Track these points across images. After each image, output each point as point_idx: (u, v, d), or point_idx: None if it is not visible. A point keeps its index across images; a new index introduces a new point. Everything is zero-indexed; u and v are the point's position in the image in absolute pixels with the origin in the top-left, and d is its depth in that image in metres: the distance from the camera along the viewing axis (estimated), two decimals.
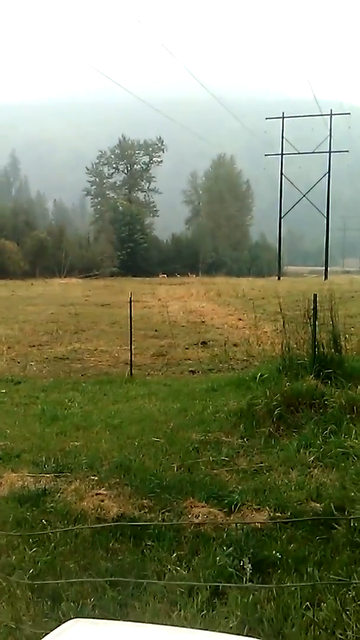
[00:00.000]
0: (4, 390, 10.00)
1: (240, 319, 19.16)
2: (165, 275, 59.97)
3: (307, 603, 3.31)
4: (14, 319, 19.58)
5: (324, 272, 57.55)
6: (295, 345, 8.76)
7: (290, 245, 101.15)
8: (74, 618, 1.28)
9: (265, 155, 61.27)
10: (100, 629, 1.25)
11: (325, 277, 53.66)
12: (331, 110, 57.84)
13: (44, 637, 1.20)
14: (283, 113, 58.96)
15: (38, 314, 21.47)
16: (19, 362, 12.80)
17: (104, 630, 1.24)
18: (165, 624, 1.11)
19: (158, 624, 1.22)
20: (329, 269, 57.56)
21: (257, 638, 1.22)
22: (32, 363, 12.73)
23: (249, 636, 1.22)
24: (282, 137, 58.99)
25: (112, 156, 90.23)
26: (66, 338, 15.89)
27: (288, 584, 3.45)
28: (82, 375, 11.61)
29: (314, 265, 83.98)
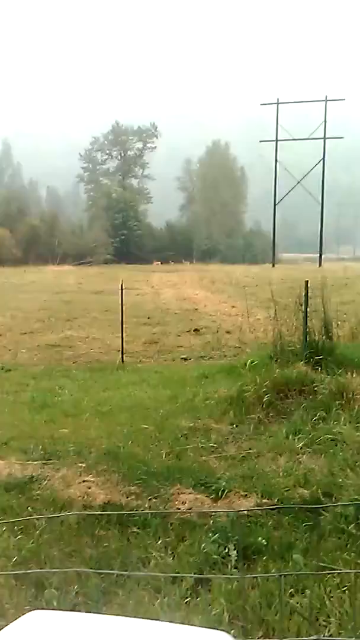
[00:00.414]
0: None
1: (233, 306, 19.13)
2: (159, 263, 59.88)
3: (292, 590, 3.30)
4: (6, 307, 19.48)
5: (318, 259, 57.52)
6: (286, 332, 8.76)
7: (284, 232, 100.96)
8: (34, 609, 1.25)
9: (260, 141, 60.99)
10: (62, 620, 1.22)
11: (320, 264, 53.64)
12: (326, 96, 57.48)
13: (3, 628, 1.16)
14: (278, 99, 58.61)
15: (30, 301, 21.37)
16: (10, 350, 12.75)
17: (65, 621, 1.21)
18: (130, 616, 1.08)
19: (122, 615, 1.19)
20: (323, 256, 57.50)
21: (222, 630, 1.18)
22: (24, 350, 12.69)
23: (214, 628, 1.18)
24: (277, 123, 58.67)
25: (106, 142, 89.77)
26: (58, 325, 15.84)
27: (273, 571, 3.44)
28: (73, 362, 11.59)
29: (309, 253, 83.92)
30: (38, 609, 1.25)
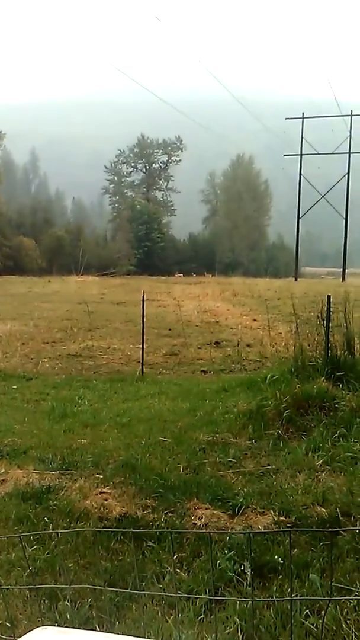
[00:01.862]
0: (15, 387, 10.04)
1: (254, 320, 19.04)
2: (182, 275, 60.02)
3: (307, 611, 3.24)
4: (29, 316, 19.68)
5: (341, 273, 57.04)
6: (308, 347, 8.67)
7: (308, 246, 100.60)
8: (41, 626, 1.23)
9: (285, 155, 60.93)
10: (69, 637, 1.21)
11: (343, 279, 53.20)
12: (351, 111, 57.31)
13: None
14: (303, 113, 58.62)
15: (53, 311, 21.56)
16: (32, 359, 12.85)
17: (73, 639, 1.20)
18: (140, 635, 1.06)
19: (131, 635, 1.16)
20: (347, 270, 57.04)
21: None
22: (45, 360, 12.77)
23: None
24: (302, 138, 58.63)
25: (131, 155, 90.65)
26: (80, 335, 15.92)
27: (288, 592, 3.37)
28: (93, 372, 11.63)
29: (332, 267, 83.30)
30: (47, 625, 1.23)
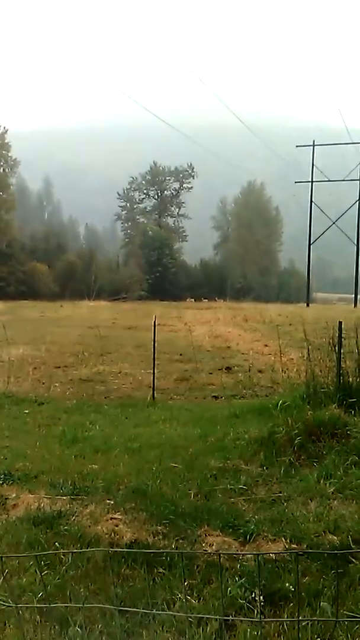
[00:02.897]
0: (27, 411, 10.10)
1: (266, 345, 19.06)
2: (193, 300, 60.21)
3: (318, 639, 3.22)
4: (42, 340, 19.82)
5: (353, 299, 56.92)
6: (320, 373, 8.67)
7: (319, 272, 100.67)
8: None
9: (296, 182, 61.50)
10: None
11: (355, 305, 53.08)
12: None
13: None
14: (314, 141, 59.31)
15: (65, 335, 21.71)
16: (43, 383, 12.94)
17: None
18: None
19: None
20: (359, 296, 56.91)
21: None
22: (57, 384, 12.85)
23: None
24: (313, 165, 59.20)
25: (143, 182, 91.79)
26: (91, 360, 16.02)
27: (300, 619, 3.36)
28: (105, 397, 11.68)
29: (344, 293, 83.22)
30: None
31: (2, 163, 67.68)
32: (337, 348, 8.75)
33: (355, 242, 57.01)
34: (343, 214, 58.92)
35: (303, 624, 3.23)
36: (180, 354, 17.16)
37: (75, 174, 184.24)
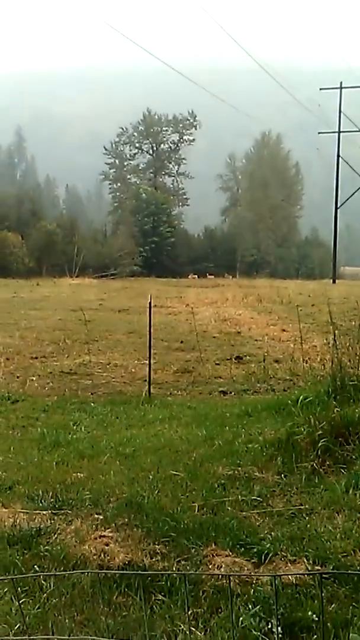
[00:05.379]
0: None
1: (284, 330, 19.10)
2: (196, 276, 60.24)
3: None
4: (15, 326, 19.86)
5: None
6: (348, 363, 8.69)
7: (348, 242, 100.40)
8: None
9: (319, 133, 61.06)
10: None
11: None
12: None
13: None
14: (341, 83, 58.73)
15: (43, 319, 21.75)
16: (18, 377, 12.99)
17: None
18: None
19: None
20: None
21: None
22: (34, 378, 12.90)
23: None
24: (340, 112, 58.74)
25: (135, 134, 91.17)
26: (75, 349, 16.06)
27: None
28: (91, 393, 11.74)
29: None
30: None
31: None
32: None
33: None
34: None
35: None
36: (181, 342, 17.19)
37: (52, 125, 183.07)
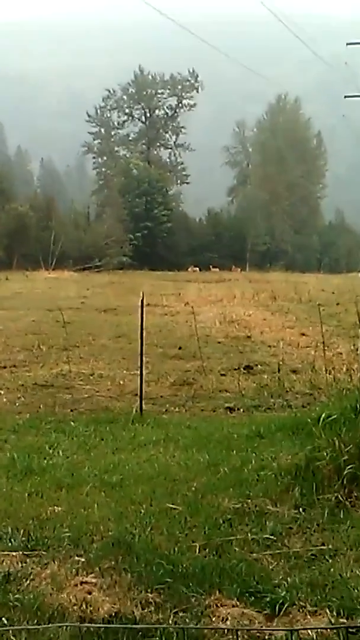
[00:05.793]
0: None
1: (303, 334, 19.13)
2: (198, 269, 60.28)
3: None
4: None
5: None
6: None
7: None
8: None
9: (346, 97, 61.17)
10: None
11: None
12: None
13: None
14: None
15: (13, 321, 21.73)
16: None
17: None
18: None
19: None
20: None
21: None
22: (2, 392, 12.92)
23: None
24: None
25: (124, 97, 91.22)
26: (51, 357, 16.07)
27: None
28: (71, 410, 11.75)
29: None
30: None
31: None
32: None
33: None
34: None
35: None
36: (180, 348, 17.20)
37: (25, 88, 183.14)
